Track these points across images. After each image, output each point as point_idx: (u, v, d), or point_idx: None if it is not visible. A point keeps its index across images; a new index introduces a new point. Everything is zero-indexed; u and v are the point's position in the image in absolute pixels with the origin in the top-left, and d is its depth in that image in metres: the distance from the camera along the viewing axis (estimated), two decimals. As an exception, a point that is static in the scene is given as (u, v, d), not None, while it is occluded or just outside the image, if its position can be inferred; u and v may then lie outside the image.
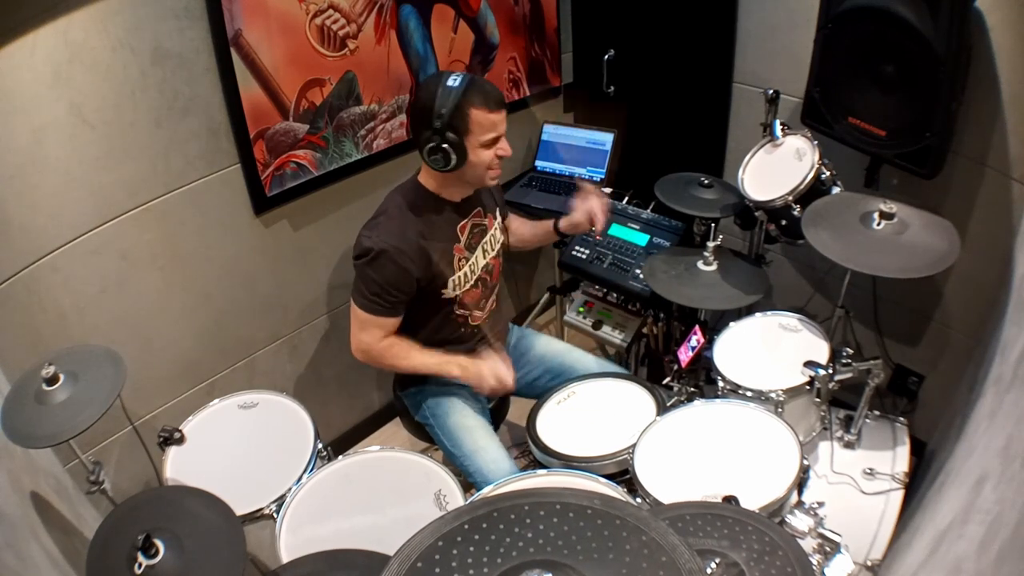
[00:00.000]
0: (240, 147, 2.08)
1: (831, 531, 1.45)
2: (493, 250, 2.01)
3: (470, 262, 1.92)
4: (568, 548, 0.81)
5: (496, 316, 2.11)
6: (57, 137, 1.73)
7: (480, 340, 2.04)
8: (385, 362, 1.89)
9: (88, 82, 1.74)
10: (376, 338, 1.84)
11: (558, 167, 2.87)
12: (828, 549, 1.43)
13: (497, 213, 2.06)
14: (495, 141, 1.77)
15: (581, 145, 2.82)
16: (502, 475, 1.80)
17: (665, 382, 2.24)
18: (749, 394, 1.84)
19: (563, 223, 2.11)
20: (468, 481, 1.89)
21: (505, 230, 2.15)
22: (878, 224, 1.86)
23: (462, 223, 1.90)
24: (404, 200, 1.84)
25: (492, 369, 1.87)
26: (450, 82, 1.69)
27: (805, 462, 1.54)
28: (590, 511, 0.84)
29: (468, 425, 1.95)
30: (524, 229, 2.25)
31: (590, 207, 2.01)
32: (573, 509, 0.85)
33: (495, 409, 2.13)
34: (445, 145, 1.70)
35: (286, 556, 1.51)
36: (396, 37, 2.34)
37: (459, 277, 1.89)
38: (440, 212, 1.85)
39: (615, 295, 2.54)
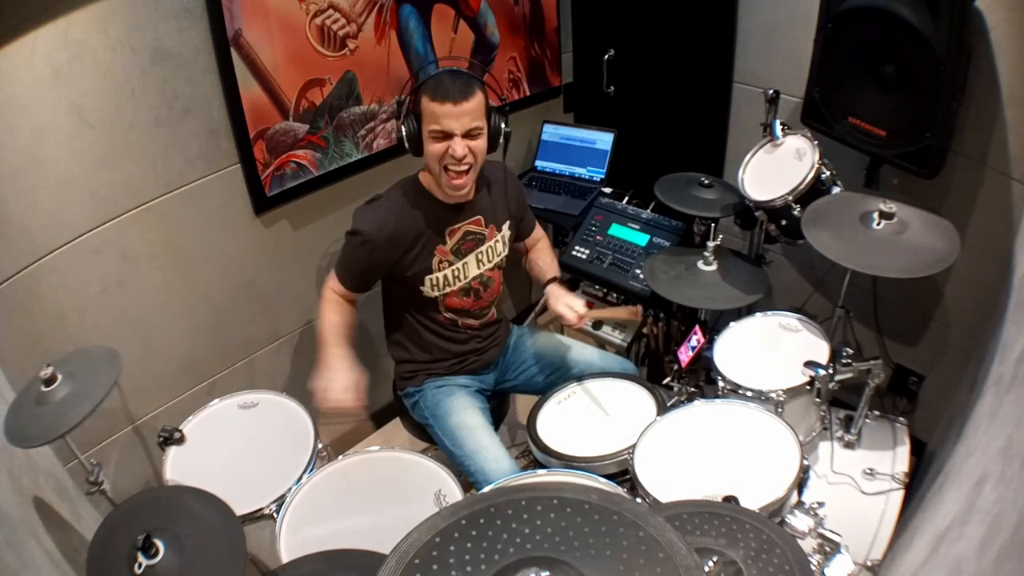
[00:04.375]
0: (240, 147, 2.09)
1: (831, 531, 1.45)
2: (490, 262, 1.98)
3: (454, 267, 1.91)
4: (565, 544, 0.80)
5: (495, 326, 2.11)
6: (57, 137, 1.73)
7: (474, 343, 2.05)
8: (319, 309, 1.95)
9: (88, 82, 1.75)
10: (330, 287, 1.94)
11: (558, 167, 2.87)
12: (828, 549, 1.43)
13: (506, 226, 2.01)
14: (444, 136, 1.71)
15: (581, 145, 2.82)
16: (503, 474, 1.80)
17: (665, 382, 2.25)
18: (749, 394, 1.83)
19: (552, 286, 2.01)
20: (469, 481, 1.89)
21: (508, 244, 2.05)
22: (878, 224, 1.86)
23: (453, 227, 1.89)
24: (401, 191, 1.87)
25: (333, 390, 1.72)
26: (431, 70, 1.74)
27: (805, 462, 1.54)
28: (587, 506, 0.84)
29: (469, 425, 1.94)
30: (539, 258, 2.18)
31: (562, 313, 1.94)
32: (570, 504, 0.85)
33: (495, 409, 2.13)
34: (403, 127, 1.76)
35: (286, 556, 1.51)
36: (396, 37, 2.34)
37: (437, 278, 1.89)
38: (430, 210, 1.86)
39: (615, 295, 2.54)
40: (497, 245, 2.00)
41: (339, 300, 1.94)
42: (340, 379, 1.74)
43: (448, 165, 1.74)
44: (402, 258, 1.84)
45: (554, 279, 2.04)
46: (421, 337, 1.97)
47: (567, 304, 1.94)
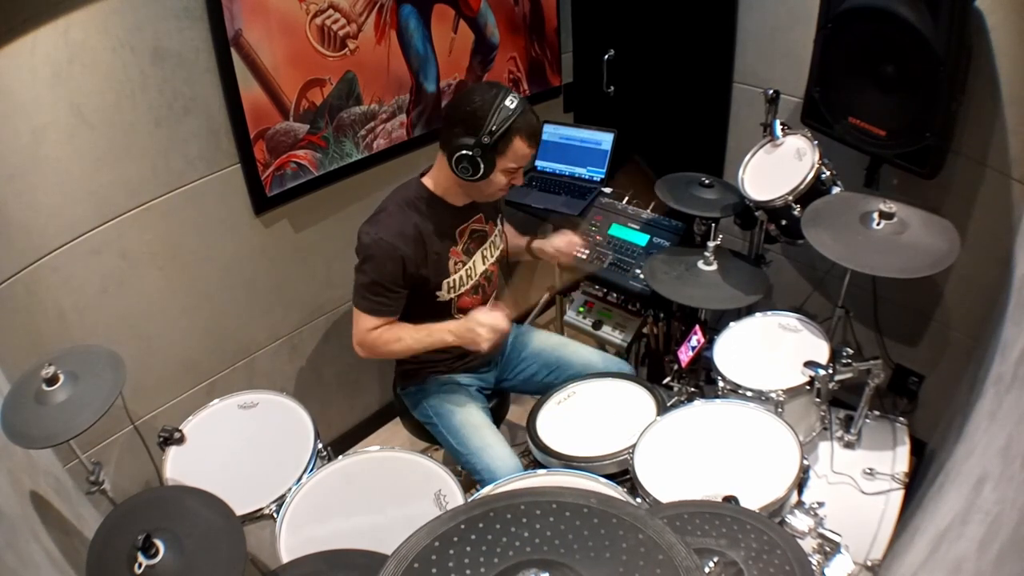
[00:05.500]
0: (240, 147, 2.09)
1: (831, 531, 1.45)
2: (492, 256, 2.01)
3: (467, 266, 1.92)
4: (565, 547, 0.81)
5: None
6: (57, 137, 1.74)
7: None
8: (381, 349, 1.87)
9: (88, 82, 1.75)
10: (367, 328, 1.85)
11: (558, 167, 2.86)
12: (828, 549, 1.43)
13: (499, 220, 2.06)
14: (517, 170, 1.79)
15: (581, 145, 2.82)
16: (508, 472, 1.81)
17: (665, 382, 2.24)
18: (749, 394, 1.83)
19: (536, 243, 2.19)
20: (473, 479, 1.90)
21: (504, 236, 2.13)
22: (878, 224, 1.85)
23: (461, 227, 1.90)
24: (404, 199, 1.85)
25: (482, 322, 1.80)
26: (508, 102, 1.68)
27: (805, 462, 1.54)
28: (586, 510, 0.84)
29: (473, 423, 1.95)
30: (511, 238, 2.24)
31: (563, 244, 2.13)
32: (569, 508, 0.85)
33: (495, 408, 2.13)
34: (479, 159, 1.71)
35: (286, 556, 1.51)
36: (396, 37, 2.34)
37: (454, 280, 1.89)
38: (440, 214, 1.85)
39: (615, 295, 2.53)
40: (496, 239, 2.02)
41: (387, 326, 1.86)
42: (478, 315, 1.82)
43: (503, 188, 1.82)
44: (424, 263, 1.82)
45: (531, 240, 2.22)
46: None
47: (565, 241, 2.13)
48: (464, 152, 1.70)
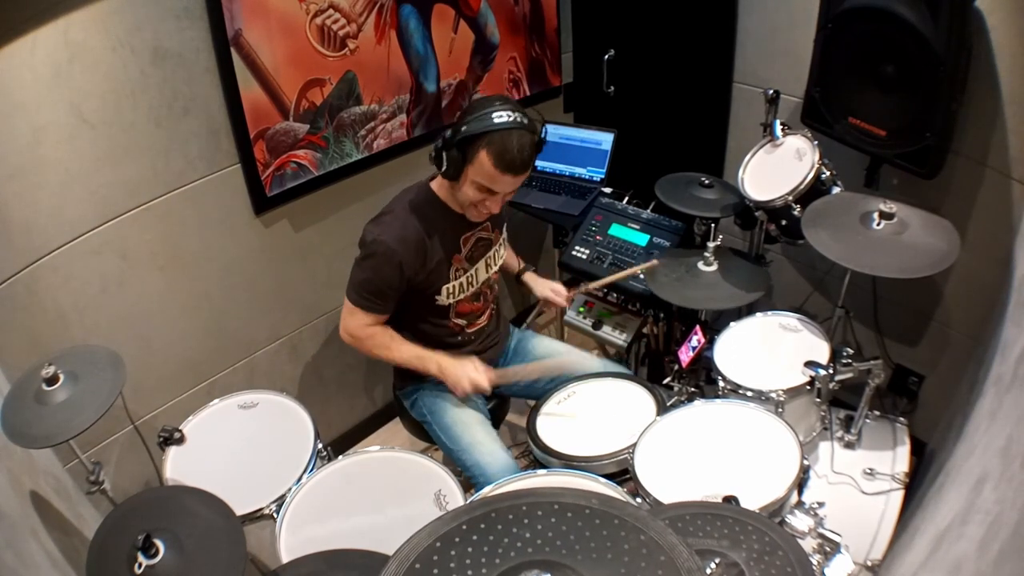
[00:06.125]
0: (240, 147, 2.09)
1: (831, 531, 1.45)
2: (496, 264, 2.01)
3: (468, 274, 1.91)
4: (567, 548, 0.81)
5: (494, 325, 2.11)
6: (57, 137, 1.73)
7: (476, 344, 2.04)
8: (368, 347, 1.90)
9: (88, 82, 1.74)
10: (361, 324, 1.87)
11: (558, 167, 2.86)
12: (828, 549, 1.43)
13: (504, 229, 2.05)
14: (489, 192, 1.73)
15: (581, 145, 2.82)
16: (499, 468, 1.81)
17: (665, 382, 2.25)
18: (749, 394, 1.84)
19: (527, 277, 2.21)
20: (467, 477, 1.89)
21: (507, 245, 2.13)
22: (878, 224, 1.86)
23: (466, 234, 1.90)
24: (412, 202, 1.85)
25: (468, 373, 1.86)
26: (496, 114, 1.64)
27: (805, 462, 1.54)
28: (588, 511, 0.84)
29: (465, 420, 1.95)
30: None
31: (550, 295, 2.18)
32: (571, 509, 0.85)
33: (494, 409, 2.13)
34: (445, 154, 1.71)
35: (286, 556, 1.51)
36: (396, 37, 2.34)
37: (454, 286, 1.89)
38: (445, 219, 1.85)
39: (615, 295, 2.53)
40: (500, 248, 2.02)
41: (381, 328, 1.89)
42: (470, 365, 1.86)
43: (477, 207, 1.79)
44: (422, 269, 1.82)
45: (525, 269, 2.24)
46: (425, 340, 1.96)
47: (553, 289, 2.18)
48: (438, 143, 1.73)
